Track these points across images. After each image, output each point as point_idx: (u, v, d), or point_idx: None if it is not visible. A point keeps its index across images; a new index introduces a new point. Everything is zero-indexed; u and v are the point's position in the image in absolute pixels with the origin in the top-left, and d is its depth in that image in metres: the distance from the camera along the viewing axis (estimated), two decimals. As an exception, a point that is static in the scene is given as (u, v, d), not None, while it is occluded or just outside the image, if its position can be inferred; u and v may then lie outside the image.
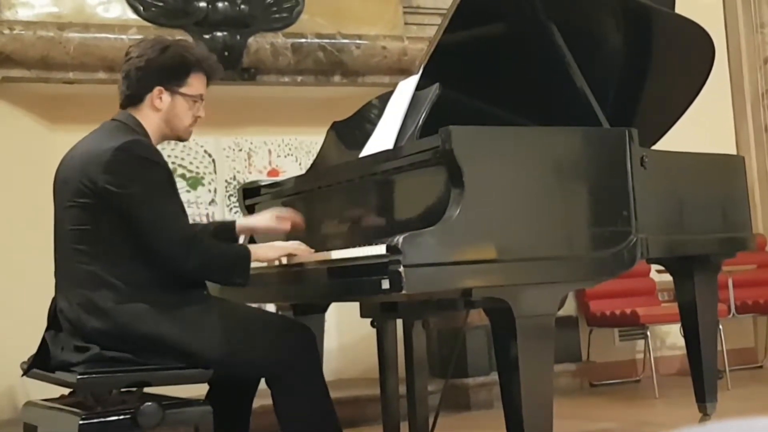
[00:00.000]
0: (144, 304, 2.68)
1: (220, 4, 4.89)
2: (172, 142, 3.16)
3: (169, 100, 2.87)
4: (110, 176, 2.68)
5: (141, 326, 2.66)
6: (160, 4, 4.87)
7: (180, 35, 4.79)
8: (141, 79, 2.86)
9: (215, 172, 5.32)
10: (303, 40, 5.05)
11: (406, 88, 3.10)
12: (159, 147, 2.88)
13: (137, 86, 2.86)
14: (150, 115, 2.87)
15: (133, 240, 2.71)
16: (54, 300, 2.85)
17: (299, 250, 2.93)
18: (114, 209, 2.70)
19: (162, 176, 2.76)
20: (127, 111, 2.89)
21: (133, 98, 2.88)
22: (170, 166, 2.98)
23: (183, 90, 2.88)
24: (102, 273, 2.70)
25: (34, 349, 2.95)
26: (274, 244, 2.97)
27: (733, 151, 6.19)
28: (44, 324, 2.88)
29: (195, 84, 2.91)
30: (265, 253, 2.90)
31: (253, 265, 2.86)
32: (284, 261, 2.98)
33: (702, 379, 3.65)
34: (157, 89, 2.85)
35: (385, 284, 2.46)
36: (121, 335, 2.66)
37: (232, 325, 2.81)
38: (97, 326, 2.68)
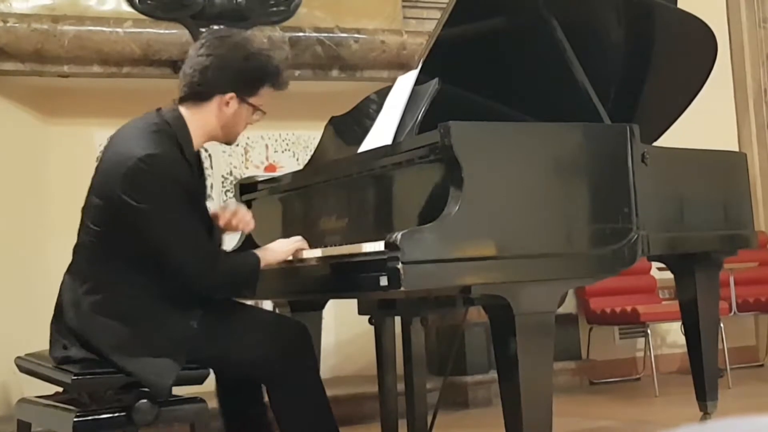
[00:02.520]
0: (117, 322, 2.66)
1: (217, -3, 4.88)
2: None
3: (235, 107, 2.81)
4: (128, 188, 2.63)
5: (100, 343, 2.65)
6: (156, -4, 4.85)
7: (176, 28, 4.77)
8: (218, 80, 2.76)
9: (212, 168, 5.30)
10: (301, 34, 5.03)
11: (405, 83, 3.09)
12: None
13: (211, 85, 2.77)
14: (208, 117, 2.80)
15: (139, 250, 2.67)
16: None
17: (303, 244, 2.93)
18: (128, 222, 2.65)
19: (179, 193, 2.67)
20: (179, 108, 2.80)
21: (200, 95, 2.78)
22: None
23: (252, 100, 2.84)
24: (96, 275, 2.71)
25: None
26: (280, 245, 2.93)
27: (735, 148, 6.18)
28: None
29: (264, 95, 2.87)
30: (274, 257, 2.87)
31: None
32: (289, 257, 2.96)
33: (703, 378, 3.65)
34: (229, 95, 2.78)
35: (384, 281, 2.44)
36: (86, 344, 2.67)
37: (223, 323, 2.79)
38: (73, 325, 2.70)
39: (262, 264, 2.80)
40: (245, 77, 2.79)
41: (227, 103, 2.79)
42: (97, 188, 2.74)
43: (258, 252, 2.86)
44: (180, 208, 2.67)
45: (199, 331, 2.70)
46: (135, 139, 2.72)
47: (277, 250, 2.90)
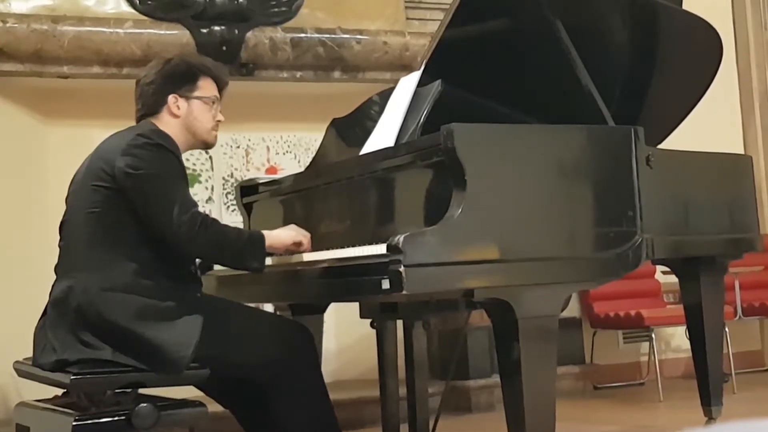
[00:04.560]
0: (128, 295, 2.69)
1: (217, -3, 4.86)
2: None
3: (185, 106, 2.96)
4: (128, 158, 2.76)
5: (116, 317, 2.66)
6: (157, -4, 4.83)
7: (176, 29, 4.76)
8: (154, 93, 2.95)
9: (212, 170, 5.28)
10: (302, 35, 5.01)
11: (407, 85, 3.09)
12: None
13: (152, 101, 2.96)
14: (170, 123, 2.94)
15: (141, 226, 2.75)
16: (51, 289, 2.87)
17: (308, 239, 2.94)
18: (126, 191, 2.75)
19: (176, 164, 2.82)
20: (147, 120, 2.96)
21: (149, 111, 2.96)
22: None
23: (196, 94, 2.97)
24: (100, 257, 2.74)
25: (26, 349, 2.93)
26: (288, 229, 2.96)
27: (741, 151, 6.15)
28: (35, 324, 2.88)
29: (206, 87, 3.00)
30: (278, 237, 2.90)
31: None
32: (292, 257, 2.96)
33: (707, 383, 3.64)
34: (171, 97, 2.95)
35: (386, 284, 2.44)
36: (98, 321, 2.67)
37: (225, 325, 2.80)
38: (78, 307, 2.69)
39: (268, 241, 2.83)
40: (175, 77, 2.97)
41: (177, 107, 2.95)
42: (91, 177, 2.82)
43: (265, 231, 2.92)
44: (177, 175, 2.81)
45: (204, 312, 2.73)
46: (127, 132, 2.87)
47: (282, 231, 2.94)
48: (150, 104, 2.96)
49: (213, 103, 2.99)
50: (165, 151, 2.79)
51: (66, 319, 2.70)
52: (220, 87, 3.04)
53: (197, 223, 2.73)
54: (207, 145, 3.08)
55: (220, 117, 3.02)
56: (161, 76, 2.96)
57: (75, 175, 2.96)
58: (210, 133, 3.01)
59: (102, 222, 2.77)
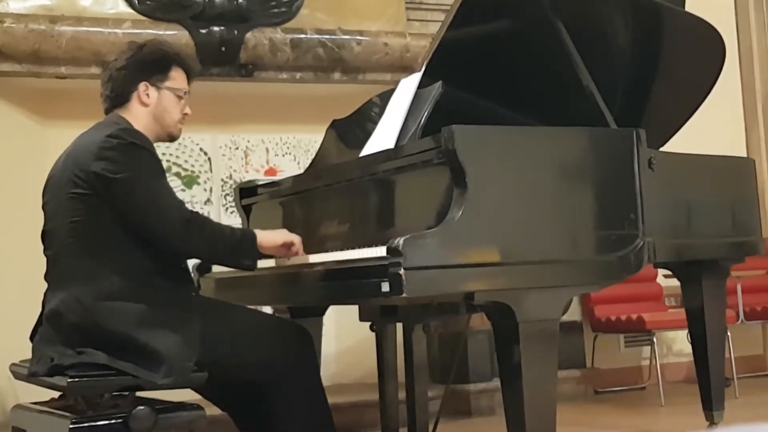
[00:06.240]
0: (125, 302, 2.66)
1: (217, -2, 4.85)
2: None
3: (156, 95, 2.91)
4: (103, 162, 2.69)
5: (117, 325, 2.63)
6: (155, -4, 4.82)
7: (175, 29, 4.76)
8: (125, 78, 2.90)
9: (211, 171, 5.28)
10: (302, 36, 5.01)
11: (408, 86, 3.09)
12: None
13: (122, 86, 2.90)
14: (139, 113, 2.89)
15: (126, 230, 2.71)
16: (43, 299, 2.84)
17: (299, 244, 2.91)
18: (109, 197, 2.70)
19: (153, 161, 2.77)
20: (114, 113, 2.90)
21: (119, 99, 2.91)
22: (165, 164, 3.00)
23: (168, 84, 2.93)
24: (90, 266, 2.70)
25: (22, 352, 2.91)
26: (279, 231, 2.95)
27: (744, 154, 6.15)
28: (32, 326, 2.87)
29: (178, 78, 2.95)
30: (269, 236, 2.87)
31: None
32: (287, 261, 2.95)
33: (709, 387, 3.65)
34: (142, 85, 2.89)
35: (385, 287, 2.43)
36: (97, 332, 2.64)
37: (223, 326, 2.78)
38: (74, 321, 2.66)
39: (258, 238, 2.82)
40: (148, 64, 2.91)
41: (147, 95, 2.90)
42: (65, 185, 2.75)
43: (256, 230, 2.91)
44: (156, 172, 2.77)
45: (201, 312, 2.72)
46: (95, 132, 2.81)
47: (273, 232, 2.92)
48: (120, 90, 2.90)
49: (183, 95, 2.95)
50: (139, 149, 2.73)
51: (61, 334, 2.68)
52: (190, 79, 3.00)
53: (187, 220, 2.72)
54: (172, 138, 3.01)
55: (187, 110, 2.98)
56: (134, 61, 2.90)
57: (48, 180, 2.90)
58: (176, 126, 2.96)
59: (86, 231, 2.72)
